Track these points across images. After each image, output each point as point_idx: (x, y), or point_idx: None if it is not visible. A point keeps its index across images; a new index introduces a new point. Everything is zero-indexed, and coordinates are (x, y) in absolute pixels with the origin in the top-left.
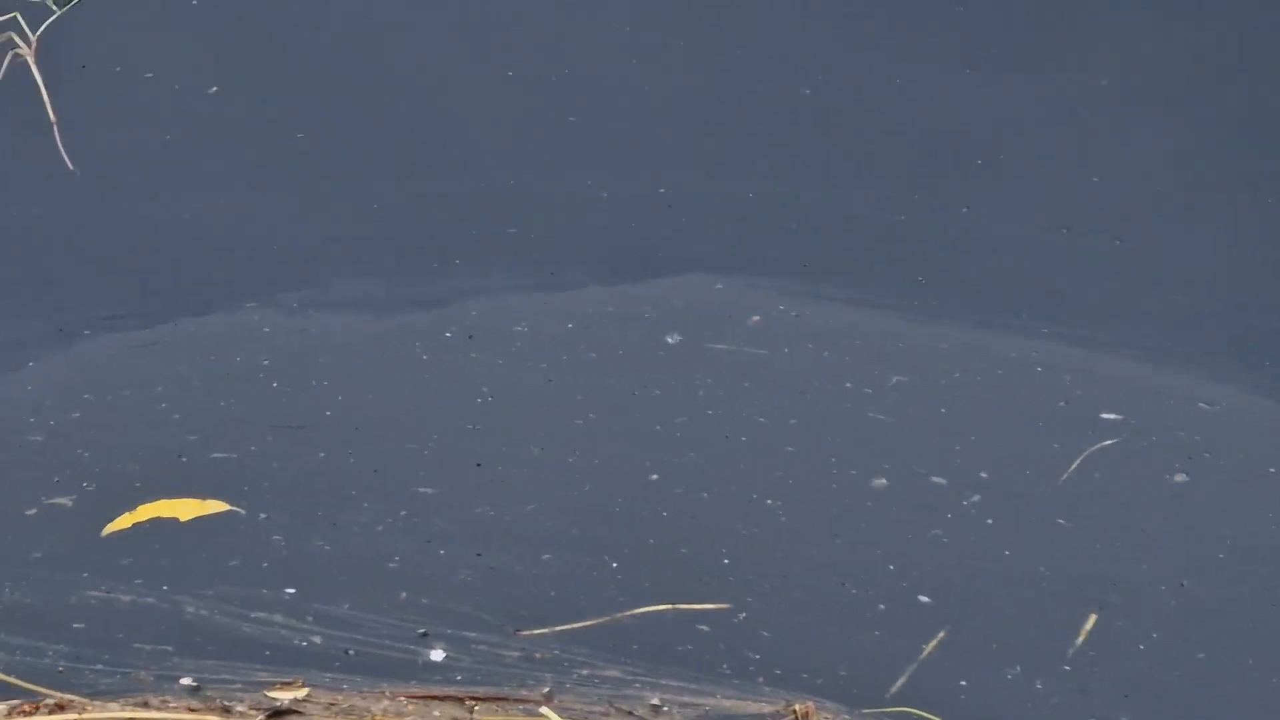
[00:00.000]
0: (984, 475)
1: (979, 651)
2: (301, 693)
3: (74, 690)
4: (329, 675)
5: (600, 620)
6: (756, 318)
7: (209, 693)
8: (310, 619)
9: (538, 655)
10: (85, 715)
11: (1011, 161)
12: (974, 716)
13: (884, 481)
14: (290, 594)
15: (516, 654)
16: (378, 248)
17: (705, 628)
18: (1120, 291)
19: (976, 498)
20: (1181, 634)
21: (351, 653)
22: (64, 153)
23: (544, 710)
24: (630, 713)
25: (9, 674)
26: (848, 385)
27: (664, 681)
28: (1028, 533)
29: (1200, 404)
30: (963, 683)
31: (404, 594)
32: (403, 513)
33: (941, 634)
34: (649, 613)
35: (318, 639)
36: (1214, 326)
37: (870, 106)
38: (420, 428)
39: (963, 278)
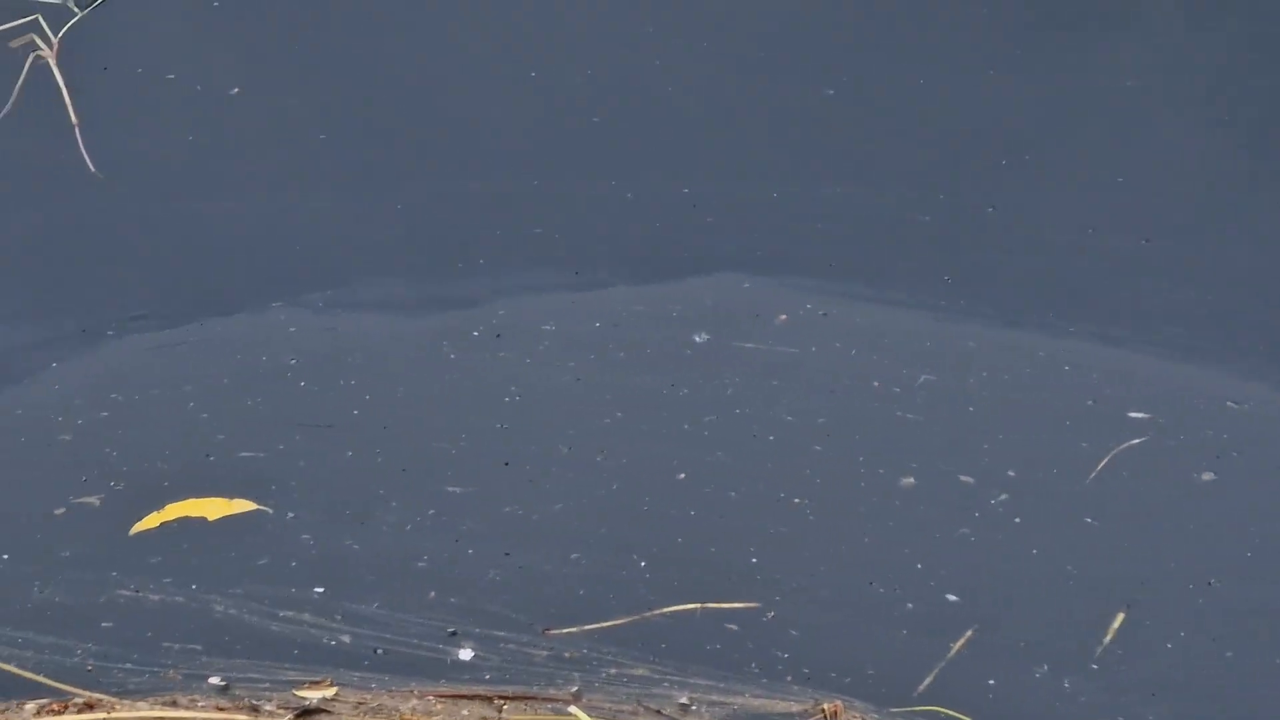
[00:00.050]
0: (1012, 474)
1: (1007, 650)
2: (330, 692)
3: (103, 689)
4: (358, 674)
5: (629, 619)
6: (784, 317)
7: (237, 692)
8: (339, 618)
9: (566, 654)
10: (114, 714)
11: (1037, 161)
12: (1002, 715)
13: (912, 480)
14: (319, 593)
15: (545, 653)
16: (401, 248)
17: (734, 626)
18: (1148, 290)
19: (1004, 496)
20: (1210, 633)
21: (380, 652)
22: (85, 154)
23: (572, 709)
24: (659, 712)
25: (38, 673)
26: (876, 384)
27: (692, 680)
28: (1056, 531)
29: (1228, 403)
30: (991, 681)
31: (433, 593)
32: (431, 512)
33: (969, 633)
34: (677, 611)
35: (346, 638)
36: (1242, 325)
37: (894, 107)
38: (449, 427)
39: (989, 277)
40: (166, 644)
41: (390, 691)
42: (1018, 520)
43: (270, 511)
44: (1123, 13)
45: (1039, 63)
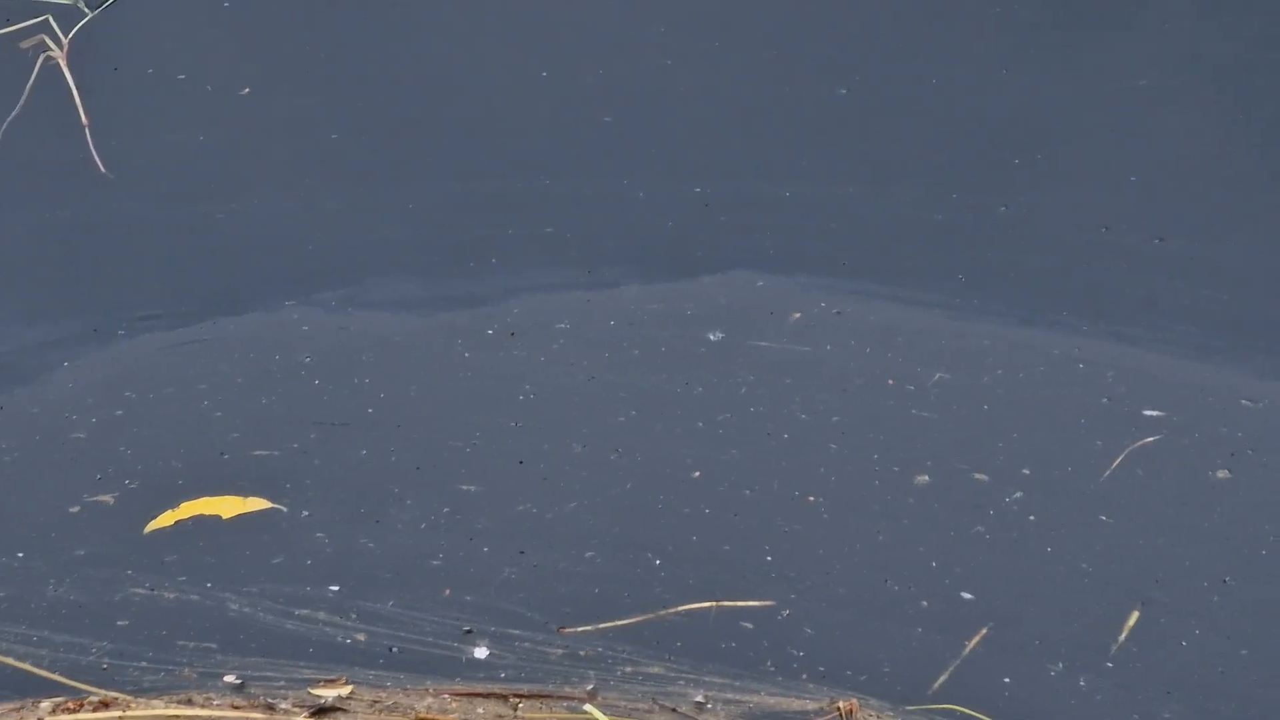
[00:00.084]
0: (1026, 472)
1: (1022, 648)
2: (345, 690)
3: (118, 687)
4: (373, 672)
5: (643, 617)
6: (798, 315)
7: (253, 690)
8: (354, 616)
9: (581, 652)
10: (129, 712)
11: (1050, 160)
12: (1017, 713)
13: (926, 478)
14: (334, 591)
15: (560, 651)
16: (413, 247)
17: (748, 625)
18: (1162, 289)
19: (1019, 494)
20: (1224, 631)
21: (395, 650)
22: (96, 155)
23: (588, 707)
24: (674, 710)
25: (53, 671)
26: (890, 382)
27: (707, 678)
28: (1070, 529)
29: (1243, 400)
30: (1006, 679)
31: (448, 591)
32: (446, 510)
33: (984, 630)
34: (692, 610)
35: (362, 636)
36: (1256, 323)
37: (907, 106)
38: (463, 425)
39: (1003, 276)
40: (181, 642)
41: (405, 690)
42: (1032, 518)
43: (285, 510)
44: (1136, 12)
45: (1052, 62)
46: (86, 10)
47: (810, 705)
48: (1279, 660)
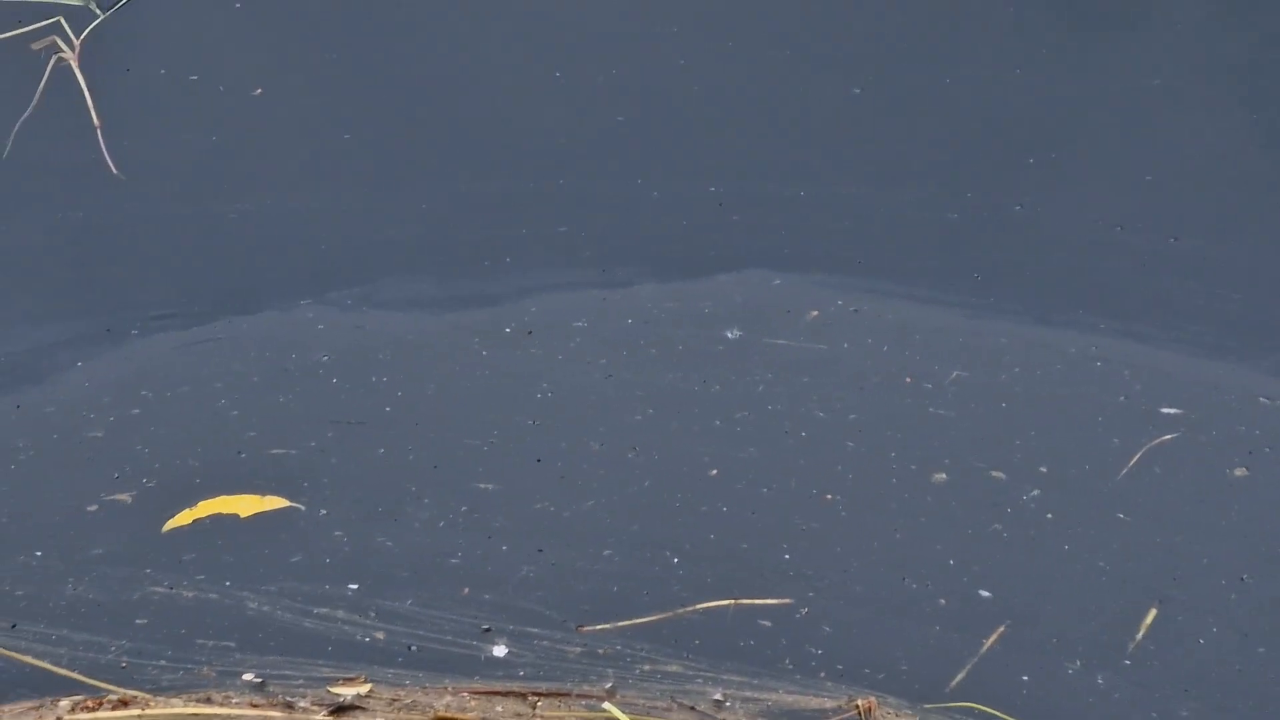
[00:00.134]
0: (1044, 470)
1: (1039, 646)
2: (364, 688)
3: (137, 686)
4: (391, 671)
5: (662, 616)
6: (815, 313)
7: (271, 688)
8: (373, 615)
9: (600, 651)
10: (148, 711)
11: (1064, 160)
12: (1035, 711)
13: (944, 476)
14: (352, 590)
15: (579, 649)
16: (427, 247)
17: (767, 623)
18: (1178, 287)
19: (1036, 492)
20: (1242, 628)
21: (414, 648)
22: (108, 156)
23: (606, 705)
24: (693, 708)
25: (72, 669)
26: (907, 380)
27: (726, 677)
28: (1088, 527)
29: (1260, 398)
30: (1024, 677)
31: (466, 590)
32: (464, 508)
33: (1002, 628)
34: (710, 608)
35: (380, 635)
36: (1272, 321)
37: (921, 105)
38: (480, 424)
39: (1018, 274)
40: (200, 641)
41: (424, 688)
42: (1050, 516)
43: (303, 508)
44: (1148, 12)
45: (1066, 61)
46: (98, 11)
47: (828, 703)
48: None
